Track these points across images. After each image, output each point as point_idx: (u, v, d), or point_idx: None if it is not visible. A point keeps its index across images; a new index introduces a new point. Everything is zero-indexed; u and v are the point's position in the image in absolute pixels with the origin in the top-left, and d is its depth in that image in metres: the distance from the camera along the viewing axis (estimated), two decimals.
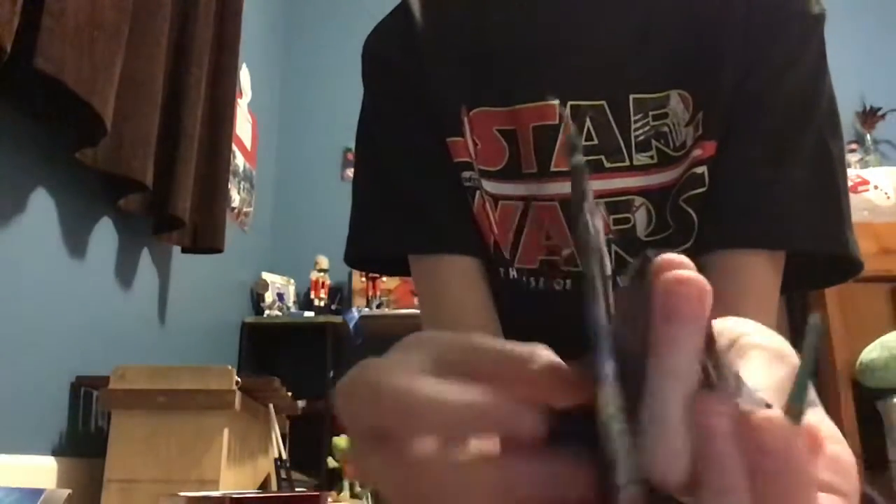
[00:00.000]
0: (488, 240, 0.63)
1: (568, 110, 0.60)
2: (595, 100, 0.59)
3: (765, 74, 0.57)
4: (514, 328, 0.62)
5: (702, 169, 0.57)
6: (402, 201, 0.65)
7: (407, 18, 0.67)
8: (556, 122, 0.60)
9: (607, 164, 0.60)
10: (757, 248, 0.56)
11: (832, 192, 0.57)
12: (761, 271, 0.56)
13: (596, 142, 0.59)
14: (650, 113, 0.59)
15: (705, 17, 0.58)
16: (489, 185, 0.63)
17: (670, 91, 0.58)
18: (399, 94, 0.66)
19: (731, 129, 0.57)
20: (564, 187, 0.60)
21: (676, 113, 0.58)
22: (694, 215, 0.57)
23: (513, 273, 0.63)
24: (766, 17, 0.58)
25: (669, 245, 0.58)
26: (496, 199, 0.62)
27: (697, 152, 0.57)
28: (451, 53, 0.64)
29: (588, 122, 0.59)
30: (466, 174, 0.63)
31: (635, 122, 0.59)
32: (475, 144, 0.63)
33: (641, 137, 0.59)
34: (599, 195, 0.60)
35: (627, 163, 0.59)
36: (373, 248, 0.68)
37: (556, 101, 0.59)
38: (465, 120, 0.63)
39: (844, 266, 0.60)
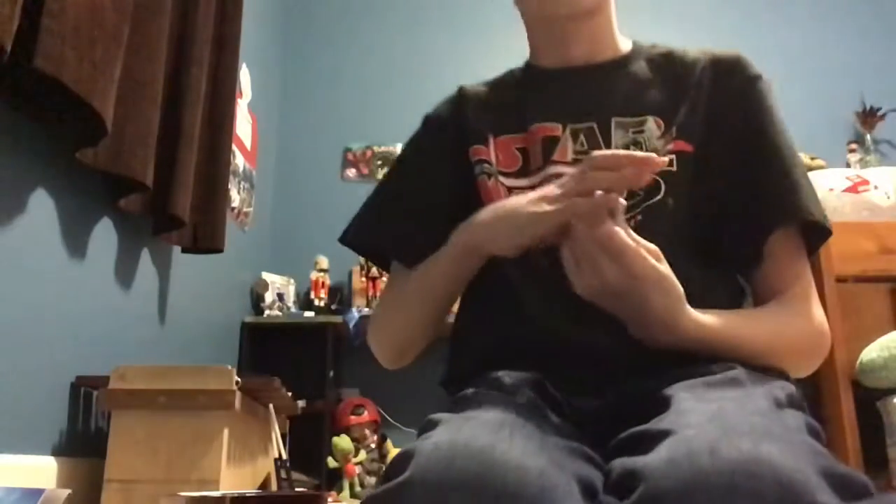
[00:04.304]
0: None
1: (568, 131, 0.86)
2: (587, 123, 0.86)
3: (735, 112, 0.84)
4: (525, 276, 0.81)
5: (672, 156, 0.81)
6: (393, 206, 0.94)
7: (460, 94, 0.97)
8: (560, 134, 0.86)
9: None
10: (776, 229, 0.78)
11: (805, 178, 0.80)
12: (789, 247, 0.80)
13: (586, 148, 0.84)
14: (630, 129, 0.84)
15: (675, 74, 0.87)
16: (504, 179, 0.86)
17: (647, 116, 0.84)
18: (436, 134, 0.95)
19: (721, 153, 0.82)
20: (559, 169, 0.83)
21: (651, 130, 0.83)
22: (661, 181, 0.79)
23: None
24: (724, 77, 0.85)
25: (642, 200, 0.82)
26: (510, 189, 0.85)
27: (669, 147, 0.82)
28: (486, 107, 0.93)
29: (581, 137, 0.85)
30: (484, 167, 0.87)
31: (616, 135, 0.84)
32: (497, 157, 0.88)
33: (621, 143, 0.83)
34: None
35: None
36: (359, 235, 0.94)
37: (560, 125, 0.86)
38: (491, 143, 0.89)
39: (815, 235, 0.81)
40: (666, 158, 0.72)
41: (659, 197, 0.79)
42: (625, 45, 0.93)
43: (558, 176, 0.81)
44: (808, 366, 0.79)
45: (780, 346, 0.76)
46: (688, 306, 0.71)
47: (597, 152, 0.69)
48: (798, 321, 0.79)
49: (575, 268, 0.69)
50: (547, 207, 0.71)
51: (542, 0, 0.88)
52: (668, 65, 0.89)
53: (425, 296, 0.87)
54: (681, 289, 0.70)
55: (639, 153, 0.67)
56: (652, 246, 0.68)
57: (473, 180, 0.88)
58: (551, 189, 0.72)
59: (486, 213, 0.78)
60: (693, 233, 0.80)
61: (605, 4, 0.90)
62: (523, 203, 0.74)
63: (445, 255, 0.83)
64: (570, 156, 0.84)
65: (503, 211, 0.77)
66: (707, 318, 0.72)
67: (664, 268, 0.68)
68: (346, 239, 0.94)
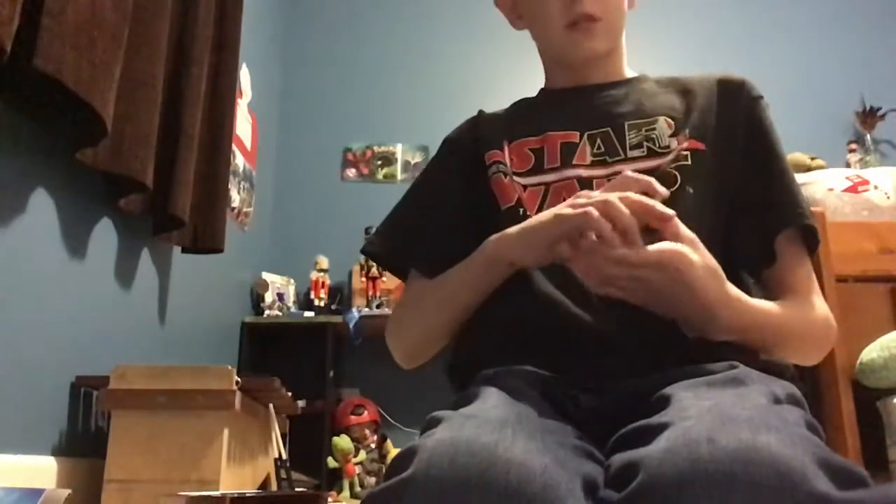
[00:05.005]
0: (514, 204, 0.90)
1: (585, 136, 0.91)
2: (602, 128, 0.92)
3: (741, 127, 0.91)
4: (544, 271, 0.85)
5: (686, 153, 0.87)
6: (413, 218, 0.98)
7: (478, 115, 1.03)
8: (577, 140, 0.92)
9: (609, 161, 0.89)
10: (783, 230, 0.85)
11: (800, 188, 0.88)
12: (793, 248, 0.86)
13: (603, 150, 0.90)
14: (643, 128, 0.90)
15: (684, 89, 0.94)
16: (518, 179, 0.91)
17: (659, 117, 0.91)
18: (454, 151, 1.00)
19: (730, 162, 0.88)
20: (579, 172, 0.88)
21: (662, 128, 0.90)
22: (678, 175, 0.85)
23: None
24: (731, 95, 0.92)
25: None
26: (524, 186, 0.90)
27: (684, 144, 0.88)
28: (502, 120, 0.99)
29: (598, 141, 0.91)
30: (499, 166, 0.92)
31: (630, 135, 0.90)
32: (511, 159, 0.93)
33: (635, 141, 0.89)
34: (605, 177, 0.87)
35: (623, 156, 0.89)
36: (381, 246, 0.98)
37: (577, 132, 0.92)
38: (506, 148, 0.94)
39: (811, 240, 0.88)
40: (667, 192, 0.75)
41: (676, 187, 0.83)
42: (633, 74, 1.02)
43: (578, 179, 0.88)
44: (818, 355, 0.87)
45: (796, 332, 0.83)
46: (728, 283, 0.75)
47: (629, 173, 0.76)
48: (808, 313, 0.85)
49: (594, 279, 0.72)
50: (569, 211, 0.73)
51: (564, 46, 0.95)
52: (674, 83, 0.97)
53: (448, 302, 0.89)
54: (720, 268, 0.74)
55: (660, 188, 0.74)
56: (689, 233, 0.71)
57: (487, 182, 0.92)
58: (578, 199, 0.75)
59: (515, 227, 0.81)
60: (710, 224, 0.83)
61: (620, 44, 0.99)
62: (549, 211, 0.78)
63: (473, 264, 0.85)
64: (589, 159, 0.90)
65: (531, 222, 0.79)
66: (742, 295, 0.77)
67: (698, 257, 0.71)
68: (367, 250, 0.98)
